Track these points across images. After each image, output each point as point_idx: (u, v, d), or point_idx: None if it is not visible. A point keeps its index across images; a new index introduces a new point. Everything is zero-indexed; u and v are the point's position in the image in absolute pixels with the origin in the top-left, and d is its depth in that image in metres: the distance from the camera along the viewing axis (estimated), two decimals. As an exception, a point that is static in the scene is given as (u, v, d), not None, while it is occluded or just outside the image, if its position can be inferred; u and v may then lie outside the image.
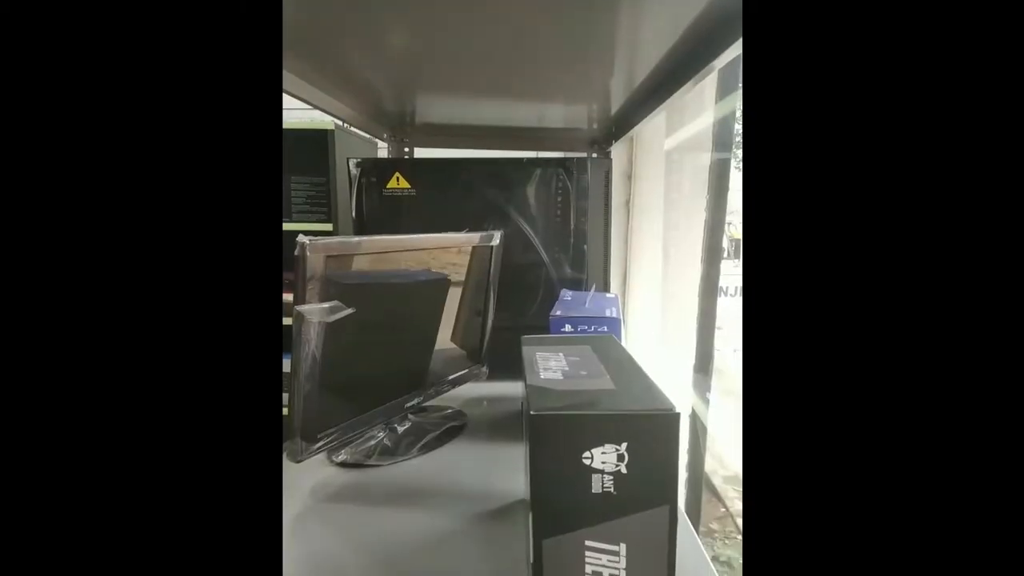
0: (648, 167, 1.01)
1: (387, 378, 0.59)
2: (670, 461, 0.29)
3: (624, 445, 0.28)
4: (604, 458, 0.29)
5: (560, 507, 0.29)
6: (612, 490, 0.29)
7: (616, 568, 0.30)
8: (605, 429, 0.28)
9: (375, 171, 0.77)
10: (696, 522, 1.35)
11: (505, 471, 0.54)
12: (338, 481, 0.53)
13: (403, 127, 0.96)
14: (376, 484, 0.52)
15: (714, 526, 2.17)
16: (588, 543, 0.30)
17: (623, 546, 0.30)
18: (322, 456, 0.58)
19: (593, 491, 0.29)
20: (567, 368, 0.36)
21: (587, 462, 0.29)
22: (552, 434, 0.29)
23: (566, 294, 0.69)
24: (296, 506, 0.49)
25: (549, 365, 0.37)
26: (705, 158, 0.94)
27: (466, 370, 0.71)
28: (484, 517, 0.46)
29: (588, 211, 0.79)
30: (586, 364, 0.37)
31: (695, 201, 0.98)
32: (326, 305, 0.44)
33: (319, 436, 0.49)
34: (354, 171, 0.77)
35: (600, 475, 0.29)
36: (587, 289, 0.80)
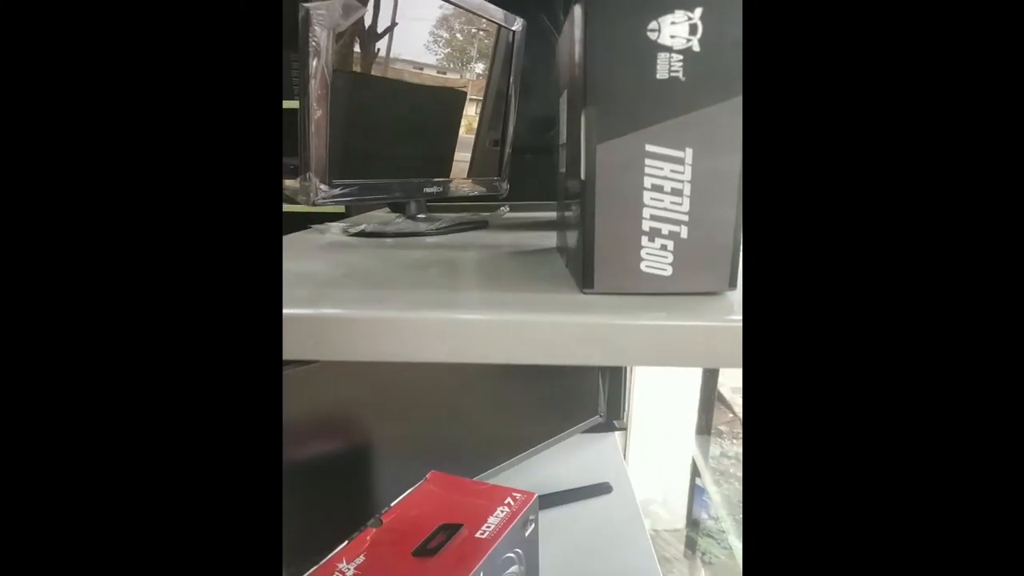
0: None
1: (404, 156, 0.55)
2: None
3: (698, 12, 0.24)
4: (673, 30, 0.24)
5: (618, 100, 0.25)
6: (680, 75, 0.25)
7: (680, 180, 0.26)
8: (677, -12, 0.24)
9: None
10: (708, 424, 1.42)
11: (535, 240, 0.51)
12: (358, 243, 0.51)
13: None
14: (400, 246, 0.50)
15: (723, 428, 2.35)
16: (649, 148, 0.26)
17: (689, 152, 0.26)
18: (336, 231, 0.56)
19: (658, 76, 0.25)
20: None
21: (653, 36, 0.24)
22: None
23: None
24: (311, 253, 0.46)
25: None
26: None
27: (485, 180, 0.67)
28: (517, 254, 0.43)
29: None
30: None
31: None
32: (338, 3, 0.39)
33: (335, 182, 0.46)
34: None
35: (668, 54, 0.25)
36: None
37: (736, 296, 0.28)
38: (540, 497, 0.76)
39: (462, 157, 0.63)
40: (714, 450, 1.47)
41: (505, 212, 0.70)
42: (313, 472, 0.55)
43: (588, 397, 0.84)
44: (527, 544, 0.49)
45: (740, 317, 0.24)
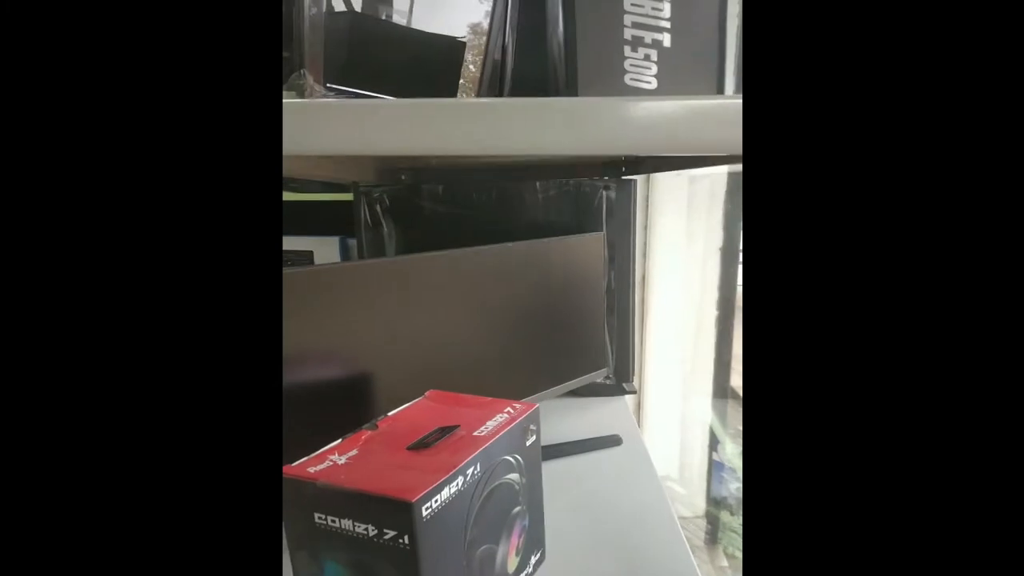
0: None
1: (405, 79, 0.56)
2: None
3: None
4: None
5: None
6: None
7: (658, 20, 0.26)
8: None
9: None
10: (725, 387, 1.39)
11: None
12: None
13: None
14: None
15: (740, 427, 2.32)
16: (627, -52, 0.26)
17: (668, -46, 0.26)
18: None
19: None
20: None
21: None
22: None
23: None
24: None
25: None
26: None
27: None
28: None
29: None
30: None
31: None
32: None
33: (331, 86, 0.46)
34: None
35: None
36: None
37: (724, 110, 0.27)
38: (546, 447, 0.74)
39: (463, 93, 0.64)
40: (732, 448, 1.43)
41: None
42: (305, 391, 0.55)
43: (596, 351, 0.82)
44: (528, 454, 0.47)
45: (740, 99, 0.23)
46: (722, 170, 1.16)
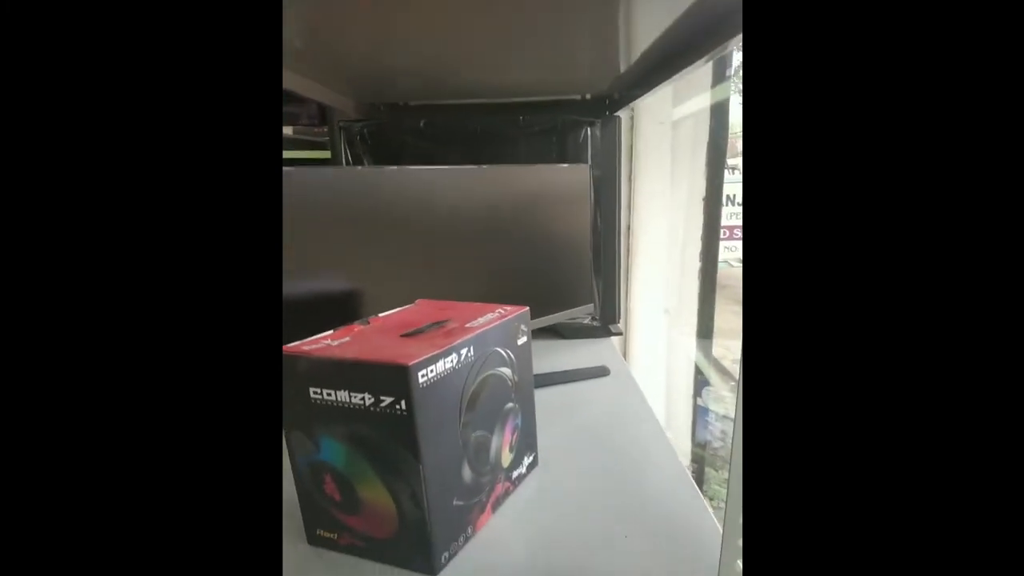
0: None
1: None
2: None
3: None
4: None
5: None
6: None
7: None
8: None
9: None
10: (709, 327, 1.42)
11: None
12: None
13: None
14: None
15: (725, 393, 2.41)
16: None
17: None
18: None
19: None
20: None
21: None
22: None
23: None
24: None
25: None
26: None
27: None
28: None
29: None
30: None
31: None
32: None
33: None
34: None
35: None
36: None
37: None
38: (536, 376, 0.75)
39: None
40: (717, 379, 1.47)
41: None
42: (291, 300, 0.54)
43: (582, 285, 0.83)
44: (519, 352, 0.48)
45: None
46: (704, 104, 1.16)
